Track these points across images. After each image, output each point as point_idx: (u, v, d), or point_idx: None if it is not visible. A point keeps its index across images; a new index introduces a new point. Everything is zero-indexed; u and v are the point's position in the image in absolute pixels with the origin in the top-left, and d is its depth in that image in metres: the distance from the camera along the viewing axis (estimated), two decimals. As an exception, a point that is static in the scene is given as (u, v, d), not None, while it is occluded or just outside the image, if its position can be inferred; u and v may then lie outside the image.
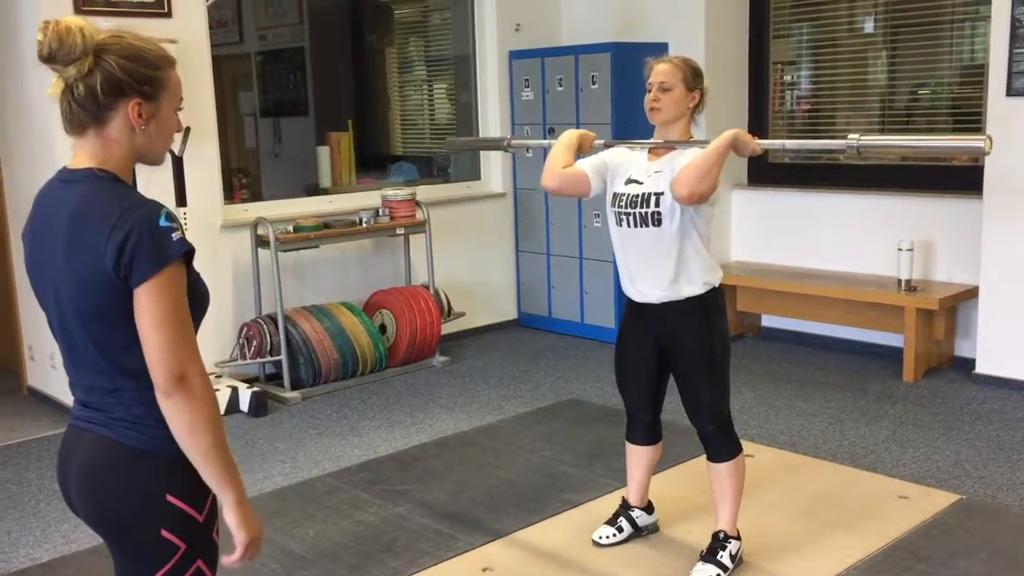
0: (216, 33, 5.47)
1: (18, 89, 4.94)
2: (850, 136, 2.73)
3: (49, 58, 1.64)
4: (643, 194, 3.01)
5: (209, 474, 1.67)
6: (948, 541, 3.34)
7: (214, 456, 1.65)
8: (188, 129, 4.76)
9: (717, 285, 3.08)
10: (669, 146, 3.04)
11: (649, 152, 3.10)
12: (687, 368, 3.08)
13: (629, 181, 3.07)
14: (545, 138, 6.29)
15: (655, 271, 3.03)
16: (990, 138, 2.50)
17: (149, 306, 1.61)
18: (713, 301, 3.06)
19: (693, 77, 3.05)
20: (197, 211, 5.04)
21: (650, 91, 3.04)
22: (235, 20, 6.86)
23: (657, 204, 2.98)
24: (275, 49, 7.26)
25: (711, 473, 3.16)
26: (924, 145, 2.67)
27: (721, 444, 3.12)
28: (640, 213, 3.00)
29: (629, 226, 3.05)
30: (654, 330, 3.11)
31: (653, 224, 2.99)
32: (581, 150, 3.18)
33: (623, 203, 3.06)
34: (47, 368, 5.11)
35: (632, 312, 3.18)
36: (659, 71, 3.04)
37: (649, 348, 3.15)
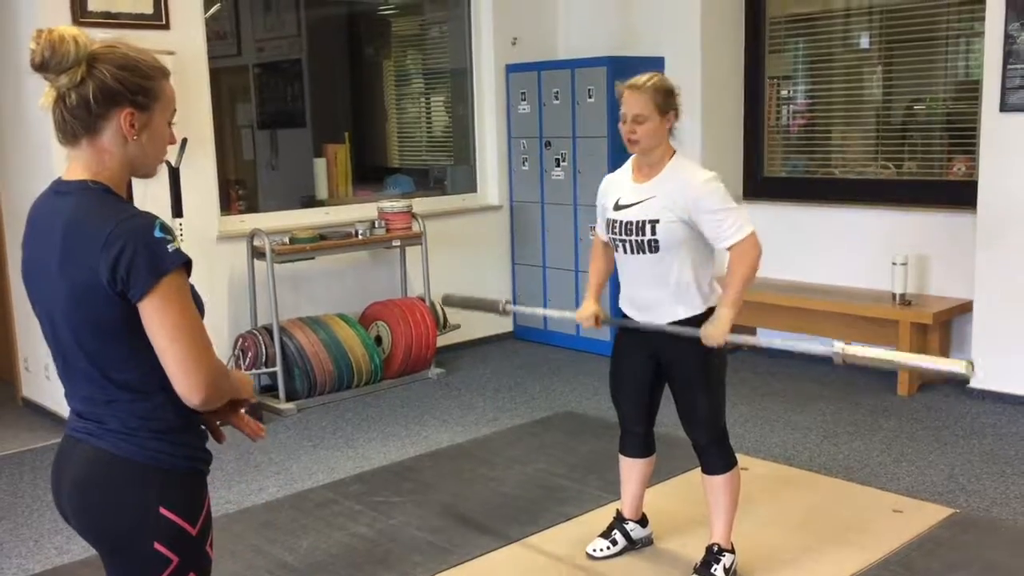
0: (214, 45, 5.48)
1: (15, 100, 4.95)
2: (836, 344, 2.74)
3: (41, 66, 1.64)
4: (637, 221, 3.00)
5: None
6: (942, 555, 3.34)
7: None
8: (185, 140, 4.77)
9: (715, 304, 3.09)
10: (654, 168, 3.02)
11: (634, 172, 3.10)
12: (684, 381, 3.09)
13: (618, 207, 3.08)
14: (541, 151, 6.35)
15: (654, 296, 3.06)
16: (971, 363, 2.56)
17: (157, 319, 1.61)
18: (710, 316, 3.06)
19: (665, 100, 2.98)
20: (193, 222, 5.05)
21: (624, 122, 3.00)
22: (233, 32, 6.88)
23: (653, 232, 2.98)
24: (273, 61, 7.28)
25: (706, 485, 3.16)
26: (910, 364, 2.72)
27: (716, 457, 3.13)
28: (636, 241, 3.02)
29: (626, 252, 3.07)
30: (651, 343, 3.12)
31: (650, 251, 3.00)
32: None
33: (617, 230, 3.07)
34: (42, 379, 5.11)
35: (629, 333, 3.20)
36: (631, 103, 2.97)
37: (645, 360, 3.15)
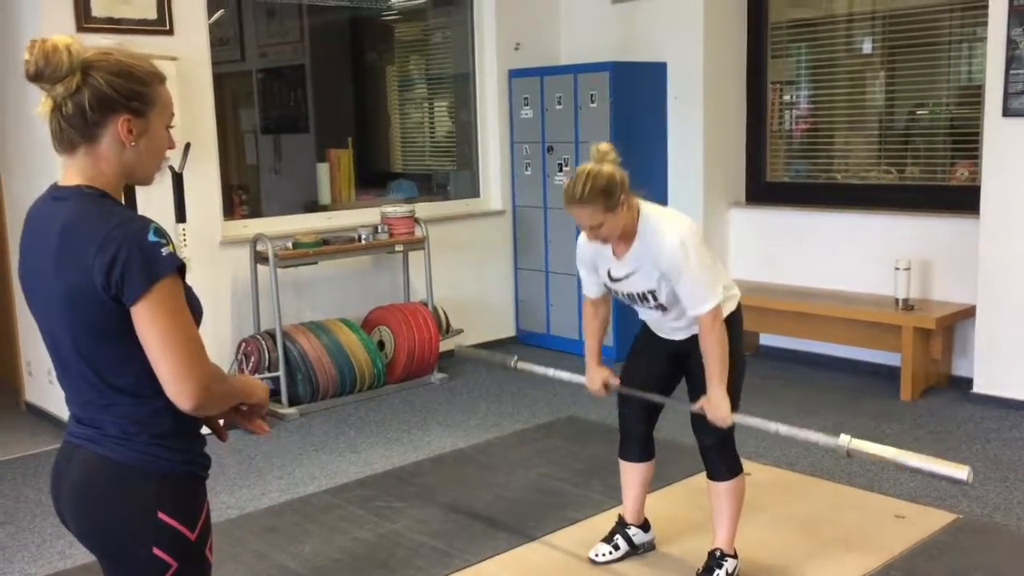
0: (217, 50, 5.49)
1: (18, 104, 4.97)
2: (842, 437, 2.76)
3: (36, 76, 1.64)
4: (638, 293, 3.05)
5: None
6: (945, 561, 3.34)
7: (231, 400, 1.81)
8: (188, 145, 4.78)
9: (734, 308, 3.11)
10: (628, 239, 2.99)
11: (612, 246, 3.07)
12: (700, 380, 3.09)
13: (612, 279, 3.10)
14: (543, 156, 6.36)
15: (672, 328, 3.13)
16: (971, 470, 2.62)
17: (149, 324, 1.61)
18: (729, 323, 3.06)
19: (608, 198, 2.84)
20: (197, 227, 5.05)
21: (584, 230, 2.97)
22: (236, 38, 6.90)
23: (656, 299, 3.02)
24: (276, 66, 7.30)
25: (710, 491, 3.17)
26: (912, 465, 2.75)
27: (722, 461, 3.14)
28: (646, 306, 3.09)
29: (638, 305, 3.13)
30: (673, 342, 3.16)
31: (659, 309, 3.07)
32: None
33: (622, 296, 3.12)
34: (45, 383, 5.11)
35: (650, 331, 3.24)
36: (579, 218, 2.91)
37: (664, 359, 3.20)
